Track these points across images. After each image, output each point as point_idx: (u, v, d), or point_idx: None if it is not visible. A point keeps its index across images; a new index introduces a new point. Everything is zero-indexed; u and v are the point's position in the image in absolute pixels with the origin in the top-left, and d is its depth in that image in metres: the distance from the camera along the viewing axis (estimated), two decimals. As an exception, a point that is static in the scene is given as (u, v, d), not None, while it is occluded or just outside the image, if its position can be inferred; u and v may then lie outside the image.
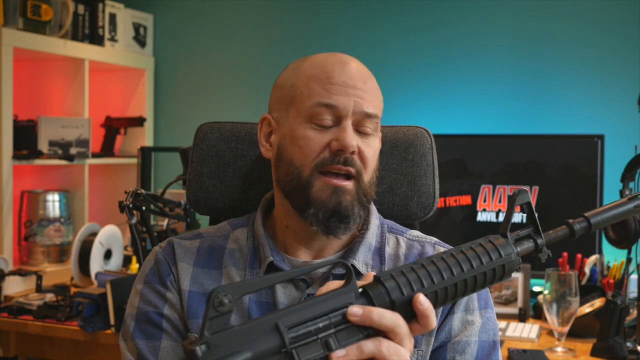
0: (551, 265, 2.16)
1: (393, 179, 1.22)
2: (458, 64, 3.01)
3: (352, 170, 1.01)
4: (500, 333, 2.08)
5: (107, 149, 3.36)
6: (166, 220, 2.68)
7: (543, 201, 2.49)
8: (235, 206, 1.25)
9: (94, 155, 3.19)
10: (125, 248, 2.90)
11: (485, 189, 2.56)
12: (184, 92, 3.53)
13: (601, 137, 2.44)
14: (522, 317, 2.29)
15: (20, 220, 2.96)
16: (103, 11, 3.22)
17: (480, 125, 2.95)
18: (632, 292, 2.30)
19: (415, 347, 1.04)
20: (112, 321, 2.17)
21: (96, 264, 2.67)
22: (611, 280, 2.26)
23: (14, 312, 2.35)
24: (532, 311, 2.39)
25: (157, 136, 3.55)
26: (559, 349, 1.98)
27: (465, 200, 2.58)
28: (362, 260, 1.07)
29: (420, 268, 0.79)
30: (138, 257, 2.20)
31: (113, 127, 3.39)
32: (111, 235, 2.78)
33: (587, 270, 2.33)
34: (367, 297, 0.77)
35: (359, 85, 1.03)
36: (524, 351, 1.94)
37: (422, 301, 0.78)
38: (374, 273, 0.80)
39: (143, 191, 2.20)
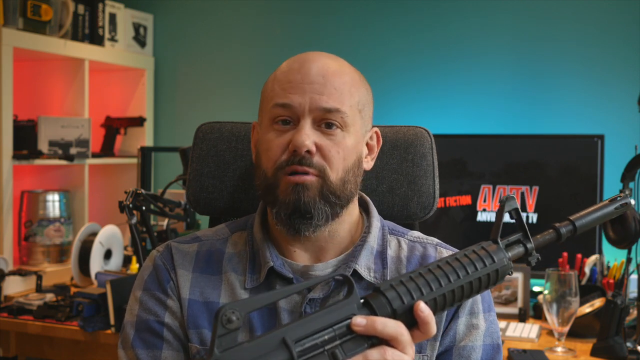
0: (551, 265, 2.16)
1: (393, 179, 1.22)
2: (458, 64, 3.01)
3: (308, 170, 1.00)
4: (500, 333, 2.08)
5: (107, 149, 3.36)
6: (166, 220, 2.68)
7: (543, 201, 2.49)
8: (235, 206, 1.25)
9: (94, 155, 3.19)
10: (125, 248, 2.90)
11: (485, 189, 2.56)
12: (184, 92, 3.53)
13: (601, 137, 2.44)
14: (522, 317, 2.29)
15: (20, 220, 2.96)
16: (103, 11, 3.22)
17: (480, 125, 2.95)
18: (632, 292, 2.30)
19: (420, 352, 1.04)
20: (112, 321, 2.17)
21: (96, 264, 2.67)
22: (611, 280, 2.26)
23: (14, 312, 2.35)
24: (532, 311, 2.39)
25: (157, 136, 3.56)
26: (559, 349, 1.98)
27: (465, 200, 2.58)
28: (364, 264, 1.06)
29: (418, 277, 0.82)
30: (138, 257, 2.20)
31: (113, 127, 3.39)
32: (111, 235, 2.78)
33: (587, 270, 2.33)
34: (369, 307, 0.79)
35: (317, 81, 1.01)
36: (524, 351, 1.94)
37: (423, 308, 0.80)
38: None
39: (143, 191, 2.19)
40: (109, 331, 2.19)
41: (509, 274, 0.87)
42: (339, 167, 1.02)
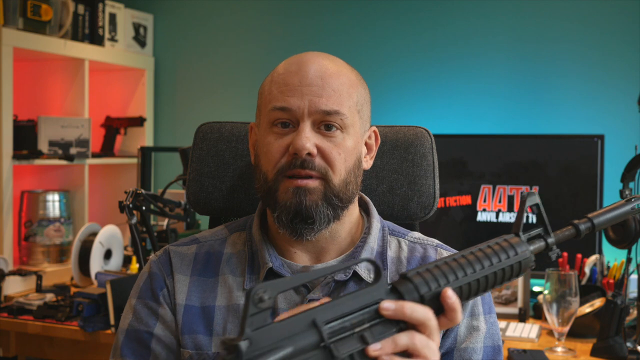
0: (551, 265, 2.16)
1: (393, 179, 1.22)
2: (458, 64, 3.01)
3: (311, 172, 1.00)
4: (500, 335, 2.08)
5: (107, 149, 3.36)
6: (166, 220, 2.68)
7: (543, 201, 2.45)
8: (235, 206, 1.25)
9: (94, 155, 3.19)
10: (125, 248, 2.90)
11: (485, 189, 2.56)
12: (184, 92, 3.53)
13: (601, 137, 2.44)
14: (522, 317, 2.29)
15: (20, 220, 2.96)
16: (103, 11, 3.22)
17: (480, 125, 2.95)
18: (632, 292, 2.30)
19: None
20: (112, 321, 2.17)
21: (96, 264, 2.67)
22: (611, 280, 2.26)
23: (14, 312, 2.35)
24: (532, 311, 2.39)
25: (157, 136, 3.56)
26: (559, 349, 1.98)
27: (465, 200, 2.58)
28: (364, 265, 1.06)
29: (443, 265, 0.83)
30: (138, 257, 2.20)
31: (113, 127, 3.39)
32: (111, 235, 2.78)
33: (587, 270, 2.33)
34: (397, 293, 0.80)
35: (315, 83, 1.01)
36: (524, 351, 1.94)
37: (450, 295, 0.80)
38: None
39: (143, 191, 2.19)
40: (109, 331, 2.20)
41: (531, 268, 0.88)
42: (341, 169, 1.02)
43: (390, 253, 1.10)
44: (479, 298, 1.07)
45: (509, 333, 2.12)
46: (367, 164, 1.11)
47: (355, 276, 1.05)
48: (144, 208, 2.21)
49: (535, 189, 2.50)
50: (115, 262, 2.80)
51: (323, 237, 1.05)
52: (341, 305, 0.76)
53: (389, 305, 0.77)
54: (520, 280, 2.33)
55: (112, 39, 3.29)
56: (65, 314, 2.29)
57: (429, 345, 0.78)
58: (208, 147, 1.25)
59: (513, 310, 2.32)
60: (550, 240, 0.91)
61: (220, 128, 1.27)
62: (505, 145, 2.57)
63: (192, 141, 1.28)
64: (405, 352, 0.77)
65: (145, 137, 3.45)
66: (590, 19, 2.82)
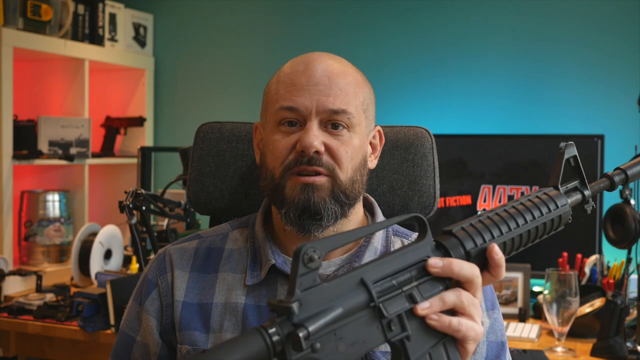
0: (551, 266, 2.16)
1: (393, 179, 1.22)
2: (458, 64, 3.01)
3: (318, 169, 1.00)
4: (505, 331, 2.09)
5: (107, 149, 3.36)
6: (166, 220, 2.68)
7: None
8: (235, 206, 1.25)
9: (94, 155, 3.19)
10: (125, 248, 2.90)
11: (485, 189, 2.56)
12: (184, 92, 3.53)
13: (601, 137, 2.44)
14: (522, 317, 2.29)
15: (20, 220, 2.96)
16: (103, 11, 3.22)
17: (480, 125, 2.95)
18: (632, 292, 2.30)
19: None
20: (112, 321, 2.17)
21: (96, 264, 2.67)
22: (611, 280, 2.26)
23: (14, 312, 2.35)
24: (532, 311, 2.39)
25: (157, 136, 3.56)
26: (559, 349, 1.98)
27: (465, 200, 2.58)
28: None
29: (486, 219, 0.82)
30: (138, 257, 2.20)
31: (113, 127, 3.39)
32: (111, 235, 2.78)
33: (587, 270, 2.33)
34: (443, 249, 0.80)
35: (323, 83, 1.01)
36: (524, 351, 1.94)
37: (497, 251, 0.80)
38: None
39: (143, 191, 2.20)
40: (109, 331, 2.20)
41: (569, 221, 0.88)
42: (347, 167, 1.02)
43: None
44: (481, 295, 1.07)
45: (509, 333, 2.12)
46: (372, 163, 1.11)
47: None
48: (144, 208, 2.21)
49: (535, 188, 2.50)
50: (115, 262, 2.80)
51: (329, 235, 1.06)
52: (387, 263, 0.75)
53: (436, 262, 0.77)
54: (520, 280, 2.33)
55: (112, 39, 3.29)
56: (65, 314, 2.29)
57: (475, 303, 0.79)
58: (209, 147, 1.26)
59: (513, 310, 2.32)
60: (587, 192, 0.91)
61: (221, 128, 1.27)
62: (505, 145, 2.57)
63: (193, 141, 1.28)
64: (451, 311, 0.78)
65: (145, 137, 3.45)
66: (590, 19, 2.82)
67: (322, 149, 1.00)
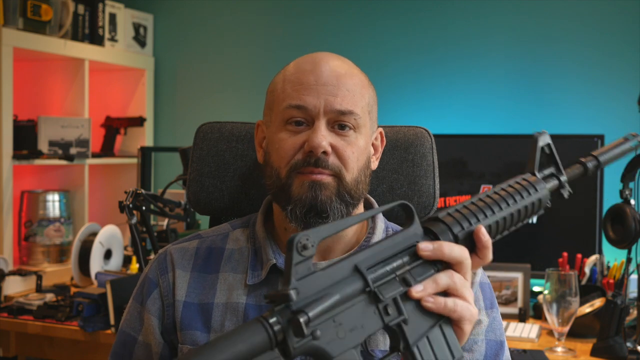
0: (551, 266, 2.16)
1: (393, 179, 1.22)
2: (458, 64, 3.01)
3: (325, 171, 1.00)
4: (504, 331, 2.09)
5: (107, 149, 3.36)
6: (166, 220, 2.68)
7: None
8: (235, 206, 1.25)
9: (94, 155, 3.19)
10: (125, 248, 2.90)
11: (485, 189, 2.56)
12: (184, 92, 3.53)
13: (601, 137, 2.44)
14: (522, 317, 2.29)
15: (20, 220, 2.96)
16: (103, 11, 3.22)
17: (480, 125, 2.95)
18: (632, 292, 2.30)
19: None
20: (112, 321, 2.17)
21: (96, 264, 2.67)
22: (611, 280, 2.26)
23: (14, 312, 2.35)
24: (532, 311, 2.39)
25: (157, 136, 3.56)
26: (559, 349, 1.98)
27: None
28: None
29: (470, 205, 0.85)
30: (138, 257, 2.20)
31: (113, 127, 3.39)
32: (111, 235, 2.78)
33: (587, 270, 2.33)
34: (432, 234, 0.82)
35: (331, 83, 1.01)
36: (524, 351, 1.94)
37: (484, 232, 0.82)
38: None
39: (143, 191, 2.20)
40: (109, 331, 2.20)
41: (547, 205, 0.91)
42: (353, 168, 1.03)
43: None
44: (480, 294, 1.07)
45: (509, 333, 2.12)
46: (374, 164, 1.12)
47: None
48: (144, 208, 2.21)
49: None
50: (115, 262, 2.80)
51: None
52: (379, 250, 0.77)
53: (426, 246, 0.79)
54: (520, 280, 2.33)
55: (112, 39, 3.29)
56: (65, 314, 2.29)
57: (466, 285, 0.80)
58: (208, 147, 1.25)
59: (513, 310, 2.32)
60: (563, 178, 0.94)
61: (221, 128, 1.27)
62: (505, 145, 2.57)
63: (193, 141, 1.28)
64: (444, 293, 0.79)
65: (145, 137, 3.45)
66: (590, 19, 2.82)
67: (329, 149, 1.00)
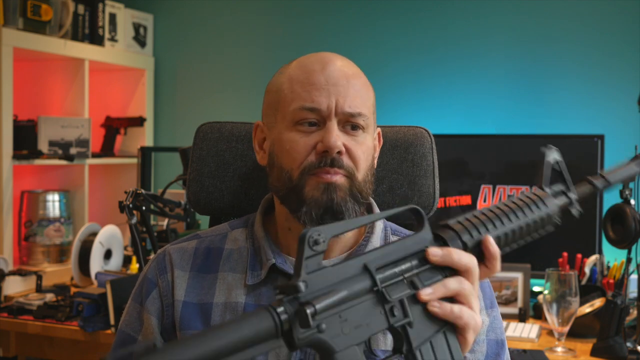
0: (551, 266, 2.16)
1: (393, 179, 1.22)
2: (458, 64, 3.01)
3: (340, 171, 1.00)
4: (504, 330, 2.09)
5: (107, 149, 3.36)
6: (166, 220, 2.68)
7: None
8: (235, 206, 1.25)
9: (94, 155, 3.19)
10: (125, 248, 2.90)
11: (485, 189, 2.56)
12: (184, 92, 3.53)
13: (601, 137, 2.44)
14: (522, 317, 2.29)
15: (20, 220, 2.96)
16: (103, 11, 3.22)
17: (480, 125, 2.95)
18: (632, 292, 2.30)
19: None
20: (112, 321, 2.17)
21: (96, 264, 2.67)
22: (611, 280, 2.26)
23: (14, 312, 2.35)
24: (532, 311, 2.39)
25: (157, 136, 3.55)
26: (559, 349, 1.98)
27: (465, 200, 2.58)
28: None
29: (481, 215, 0.85)
30: (138, 257, 2.20)
31: (113, 127, 3.39)
32: (111, 235, 2.78)
33: (587, 270, 2.33)
34: (441, 240, 0.82)
35: (341, 83, 1.01)
36: (524, 351, 1.94)
37: (492, 242, 0.82)
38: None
39: (143, 191, 2.20)
40: (109, 331, 2.20)
41: (557, 222, 0.91)
42: (363, 167, 1.03)
43: None
44: (480, 294, 1.07)
45: (509, 333, 2.12)
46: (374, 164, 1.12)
47: None
48: (144, 208, 2.21)
49: (535, 188, 2.50)
50: (115, 262, 2.80)
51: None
52: (388, 252, 0.78)
53: (436, 252, 0.79)
54: (520, 280, 2.33)
55: (112, 39, 3.29)
56: (65, 314, 2.29)
57: (474, 294, 0.80)
58: (208, 147, 1.25)
59: (513, 310, 2.32)
60: (573, 196, 0.94)
61: (221, 128, 1.27)
62: (505, 145, 2.57)
63: (193, 141, 1.28)
64: (451, 299, 0.79)
65: (145, 137, 3.45)
66: (590, 19, 2.82)
67: (343, 149, 1.01)
